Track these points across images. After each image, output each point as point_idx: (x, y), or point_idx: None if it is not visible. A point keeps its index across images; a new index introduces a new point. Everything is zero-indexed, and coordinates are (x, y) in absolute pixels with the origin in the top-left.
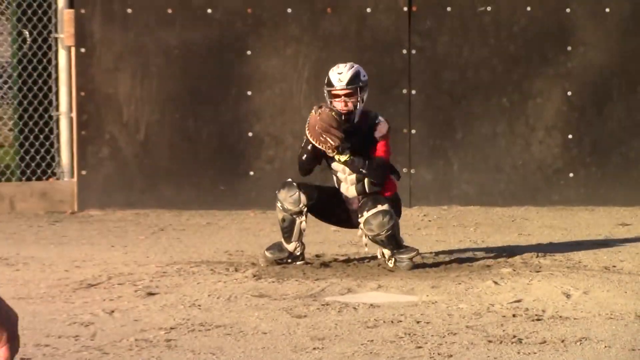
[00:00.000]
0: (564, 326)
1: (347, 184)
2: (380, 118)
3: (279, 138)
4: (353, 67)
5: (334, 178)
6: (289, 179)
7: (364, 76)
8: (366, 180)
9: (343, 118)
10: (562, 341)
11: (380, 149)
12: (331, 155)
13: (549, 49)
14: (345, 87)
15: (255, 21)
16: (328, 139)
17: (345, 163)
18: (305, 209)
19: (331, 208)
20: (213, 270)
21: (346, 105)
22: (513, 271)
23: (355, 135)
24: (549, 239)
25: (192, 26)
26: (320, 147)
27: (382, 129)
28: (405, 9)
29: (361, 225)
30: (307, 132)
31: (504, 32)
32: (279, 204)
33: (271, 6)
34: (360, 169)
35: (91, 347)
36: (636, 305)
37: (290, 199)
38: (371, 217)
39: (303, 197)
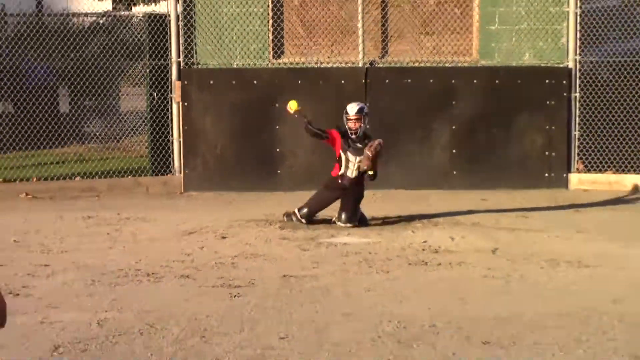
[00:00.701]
0: (451, 256)
1: (352, 169)
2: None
3: (294, 153)
4: (360, 104)
5: (343, 160)
6: (287, 212)
7: (367, 110)
8: (359, 171)
9: (358, 136)
10: (450, 264)
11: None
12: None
13: (442, 103)
14: (354, 114)
15: (280, 88)
16: (366, 167)
17: (373, 176)
18: (305, 221)
19: (327, 203)
20: (257, 224)
21: (355, 125)
22: (422, 226)
23: (359, 143)
24: (443, 209)
25: (246, 90)
26: (365, 167)
27: (371, 145)
28: (364, 81)
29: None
30: (369, 159)
31: (419, 94)
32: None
33: (289, 80)
34: (373, 177)
35: (191, 267)
36: (490, 244)
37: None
38: (344, 221)
39: (303, 221)
